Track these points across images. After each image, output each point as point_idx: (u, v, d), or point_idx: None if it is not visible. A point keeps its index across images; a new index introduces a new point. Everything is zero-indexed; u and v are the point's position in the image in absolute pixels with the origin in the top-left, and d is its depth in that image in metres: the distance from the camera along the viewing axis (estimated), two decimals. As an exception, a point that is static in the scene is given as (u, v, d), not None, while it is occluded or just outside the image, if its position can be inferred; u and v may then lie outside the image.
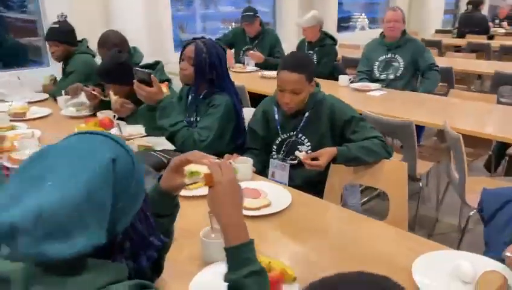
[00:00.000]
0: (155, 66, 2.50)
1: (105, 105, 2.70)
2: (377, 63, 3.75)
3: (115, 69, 2.50)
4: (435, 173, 3.25)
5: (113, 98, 2.49)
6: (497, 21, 8.60)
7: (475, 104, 3.14)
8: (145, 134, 2.36)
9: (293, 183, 2.06)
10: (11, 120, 2.65)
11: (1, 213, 0.72)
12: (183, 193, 1.39)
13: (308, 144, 2.11)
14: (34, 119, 2.79)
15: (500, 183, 2.48)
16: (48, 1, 3.97)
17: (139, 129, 2.41)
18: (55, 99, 3.19)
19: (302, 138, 2.13)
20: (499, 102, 3.32)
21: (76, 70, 3.21)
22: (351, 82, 3.71)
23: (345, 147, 1.96)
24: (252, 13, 4.45)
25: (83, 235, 0.73)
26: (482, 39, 6.59)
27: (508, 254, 1.23)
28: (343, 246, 1.43)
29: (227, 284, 0.95)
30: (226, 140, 2.25)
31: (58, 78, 3.51)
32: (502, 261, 1.25)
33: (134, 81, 2.03)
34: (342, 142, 2.01)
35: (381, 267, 1.30)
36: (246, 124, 2.35)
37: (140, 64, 2.56)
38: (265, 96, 2.39)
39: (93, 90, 2.73)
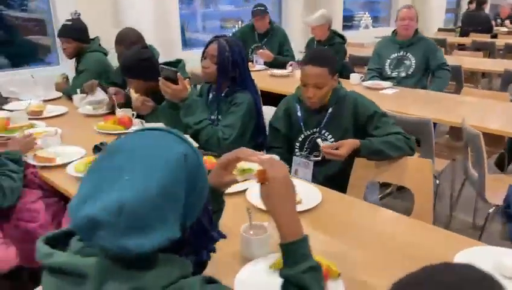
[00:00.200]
0: (177, 64, 2.49)
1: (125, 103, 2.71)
2: (389, 60, 3.76)
3: (140, 65, 2.50)
4: (449, 171, 3.26)
5: (134, 95, 2.49)
6: (499, 20, 8.64)
7: (489, 102, 3.16)
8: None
9: (315, 180, 2.06)
10: (29, 118, 2.64)
11: (81, 207, 0.73)
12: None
13: (332, 139, 2.12)
14: (51, 117, 2.79)
15: (517, 180, 2.50)
16: (58, 0, 3.96)
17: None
18: (69, 98, 3.19)
19: (326, 134, 2.13)
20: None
21: (89, 68, 3.21)
22: (362, 80, 3.73)
23: (367, 140, 1.97)
24: (263, 8, 4.46)
25: (160, 229, 0.74)
26: (485, 38, 6.62)
27: None
28: (378, 243, 1.44)
29: (283, 280, 0.95)
30: (247, 138, 2.25)
31: (69, 77, 3.51)
32: None
33: (160, 78, 2.03)
34: (365, 138, 2.02)
35: (421, 264, 1.31)
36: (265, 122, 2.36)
37: (163, 62, 2.55)
38: (274, 94, 2.40)
39: (116, 93, 2.72)
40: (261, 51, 4.45)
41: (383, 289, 0.66)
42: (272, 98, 2.89)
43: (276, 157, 1.96)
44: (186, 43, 5.49)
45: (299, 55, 4.77)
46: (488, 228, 2.71)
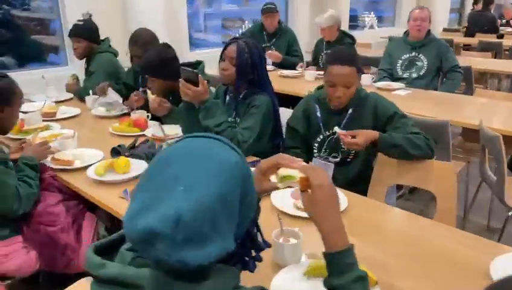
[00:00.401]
0: (197, 65, 2.47)
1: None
2: (400, 61, 3.75)
3: (163, 64, 2.48)
4: (463, 173, 3.25)
5: (151, 96, 2.46)
6: (504, 21, 8.63)
7: (503, 103, 3.14)
8: (182, 134, 2.34)
9: (335, 183, 2.04)
10: (42, 120, 2.62)
11: (137, 219, 0.71)
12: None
13: None
14: (65, 119, 2.77)
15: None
16: (68, 0, 3.94)
17: (175, 129, 2.38)
18: (80, 99, 3.17)
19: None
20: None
21: (100, 69, 3.20)
22: (374, 81, 3.71)
23: (387, 134, 1.96)
24: (274, 5, 4.44)
25: (218, 240, 0.72)
26: (491, 38, 6.60)
27: None
28: (411, 248, 1.42)
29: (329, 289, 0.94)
30: (265, 141, 2.24)
31: (79, 77, 3.49)
32: None
33: (181, 80, 2.01)
34: None
35: (458, 270, 1.29)
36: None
37: (182, 63, 2.53)
38: (283, 95, 2.38)
39: (136, 95, 2.70)
40: (270, 52, 4.43)
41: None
42: (282, 99, 2.87)
43: (317, 164, 1.95)
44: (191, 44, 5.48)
45: (306, 56, 4.76)
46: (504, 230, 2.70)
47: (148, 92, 2.51)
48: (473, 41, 6.54)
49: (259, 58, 2.19)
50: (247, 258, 0.89)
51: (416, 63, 3.68)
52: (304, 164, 1.03)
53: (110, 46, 3.37)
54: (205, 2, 6.08)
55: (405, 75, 3.72)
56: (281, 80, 4.03)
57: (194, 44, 5.62)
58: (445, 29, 8.01)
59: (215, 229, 0.72)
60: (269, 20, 4.47)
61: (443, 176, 1.91)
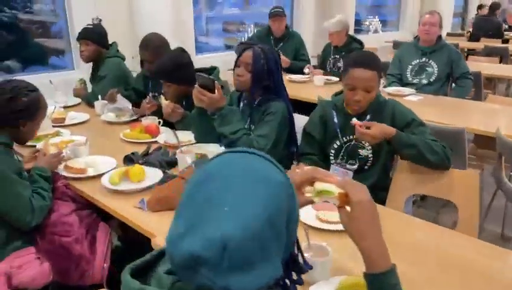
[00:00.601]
0: (212, 71, 2.43)
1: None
2: (410, 66, 3.71)
3: (179, 69, 2.44)
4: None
5: (165, 102, 2.42)
6: (506, 26, 8.61)
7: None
8: (195, 141, 2.30)
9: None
10: (52, 126, 2.58)
11: (180, 242, 0.67)
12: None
13: (369, 147, 2.08)
14: (74, 125, 2.72)
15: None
16: (74, 5, 3.90)
17: (188, 136, 2.34)
18: (89, 104, 3.12)
19: (363, 141, 2.08)
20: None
21: (110, 73, 3.16)
22: (384, 87, 3.67)
23: (405, 134, 1.93)
24: (281, 9, 4.40)
25: (265, 266, 0.67)
26: (497, 43, 6.58)
27: None
28: (438, 261, 1.38)
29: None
30: (280, 148, 2.20)
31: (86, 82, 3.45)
32: None
33: (196, 86, 1.97)
34: None
35: (484, 283, 1.26)
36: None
37: (197, 68, 2.49)
38: (292, 100, 2.34)
39: (149, 103, 2.66)
40: (277, 56, 4.38)
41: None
42: (291, 104, 2.83)
43: (336, 171, 1.91)
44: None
45: (312, 61, 4.72)
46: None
47: (162, 97, 2.47)
48: (478, 46, 6.52)
49: (275, 64, 2.15)
50: (288, 282, 0.84)
51: (427, 69, 3.64)
52: (340, 178, 0.99)
53: (118, 50, 3.33)
54: (207, 5, 6.05)
55: (415, 81, 3.68)
56: (289, 85, 3.95)
57: (197, 48, 5.58)
58: (449, 34, 7.98)
59: (264, 254, 0.67)
60: (277, 24, 4.43)
61: (466, 185, 1.87)
